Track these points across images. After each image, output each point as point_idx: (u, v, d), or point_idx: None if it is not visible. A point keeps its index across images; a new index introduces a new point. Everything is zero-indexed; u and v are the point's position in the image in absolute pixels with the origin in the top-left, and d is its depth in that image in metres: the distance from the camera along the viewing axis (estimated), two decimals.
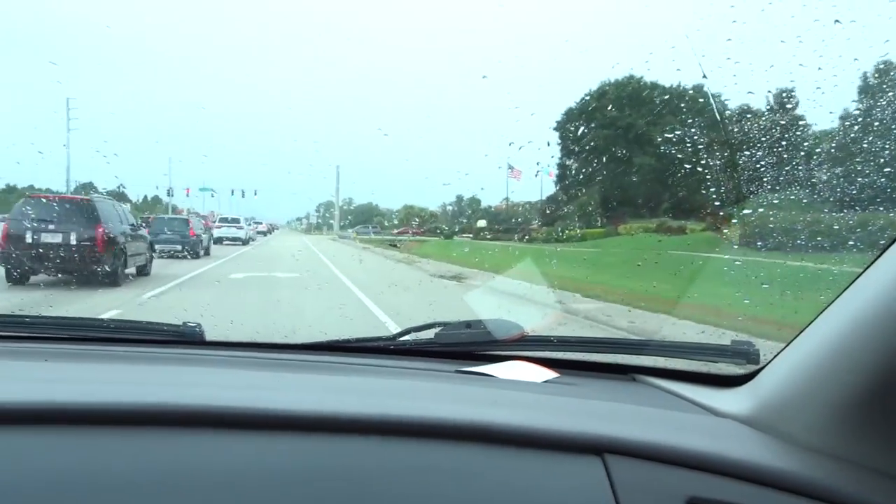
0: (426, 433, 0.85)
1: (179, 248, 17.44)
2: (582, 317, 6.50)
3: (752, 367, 1.18)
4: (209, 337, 1.43)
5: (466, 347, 1.40)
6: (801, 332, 0.98)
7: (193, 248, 17.78)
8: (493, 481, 0.80)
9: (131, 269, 11.18)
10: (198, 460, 0.78)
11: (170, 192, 51.41)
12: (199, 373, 1.17)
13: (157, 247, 16.31)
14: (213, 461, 0.78)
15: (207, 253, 19.88)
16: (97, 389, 0.91)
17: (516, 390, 1.15)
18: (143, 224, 14.77)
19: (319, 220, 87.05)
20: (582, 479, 0.82)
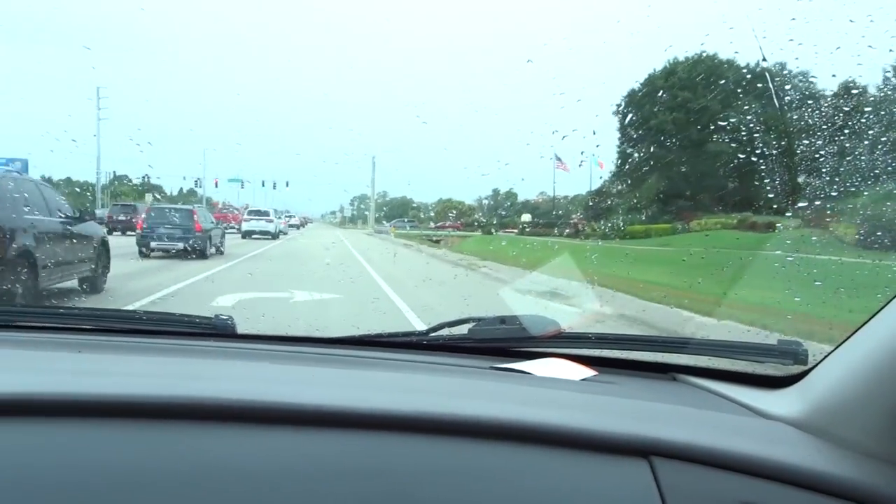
0: (463, 431, 0.88)
1: (181, 245, 15.82)
2: (619, 315, 6.48)
3: (799, 368, 1.22)
4: (241, 330, 1.56)
5: (501, 343, 1.47)
6: (854, 331, 1.01)
7: (199, 247, 16.10)
8: (534, 483, 0.82)
9: (68, 283, 8.28)
10: (228, 455, 0.83)
11: (197, 183, 53.38)
12: (230, 366, 1.27)
13: (153, 244, 15.62)
14: (243, 456, 0.82)
15: (220, 251, 18.38)
16: (129, 382, 0.99)
17: (554, 388, 1.21)
18: (88, 216, 9.32)
19: (354, 213, 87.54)
20: (628, 482, 0.84)
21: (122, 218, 33.29)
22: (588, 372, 1.32)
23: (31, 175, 11.86)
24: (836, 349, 1.05)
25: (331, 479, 0.81)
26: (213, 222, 18.67)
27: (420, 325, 8.32)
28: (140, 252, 15.82)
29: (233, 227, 40.67)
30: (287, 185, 54.76)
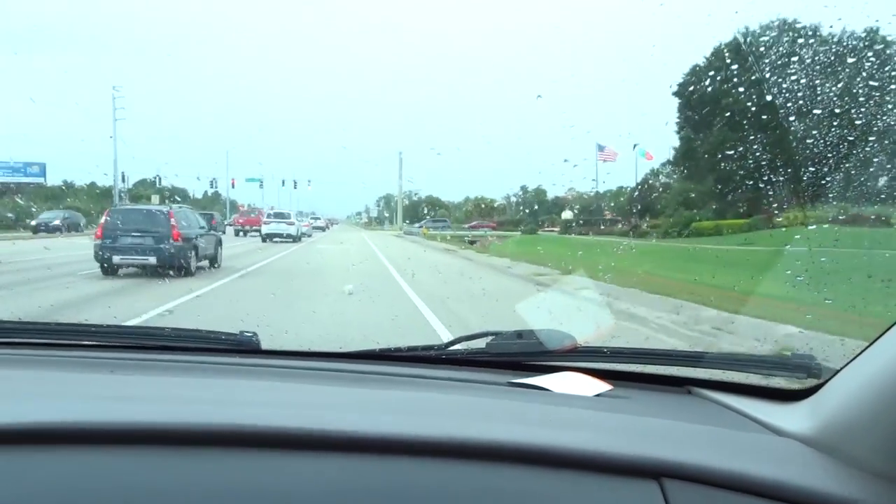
0: (482, 455, 1.00)
1: (153, 260, 13.62)
2: (637, 325, 6.34)
3: (813, 382, 1.36)
4: (265, 346, 1.79)
5: (518, 358, 1.66)
6: (869, 344, 1.12)
7: (177, 261, 13.74)
8: None
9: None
10: (256, 480, 0.95)
11: (213, 184, 54.66)
12: (258, 387, 1.46)
13: (116, 259, 13.41)
14: (270, 481, 0.95)
15: (215, 264, 16.37)
16: (167, 409, 1.14)
17: (569, 406, 1.35)
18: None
19: (381, 213, 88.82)
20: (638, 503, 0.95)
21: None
22: (603, 386, 1.49)
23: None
24: (849, 363, 1.16)
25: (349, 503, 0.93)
26: (202, 227, 15.98)
27: None
28: (102, 268, 13.61)
29: (256, 231, 41.91)
30: (308, 183, 55.79)
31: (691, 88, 26.85)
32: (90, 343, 1.83)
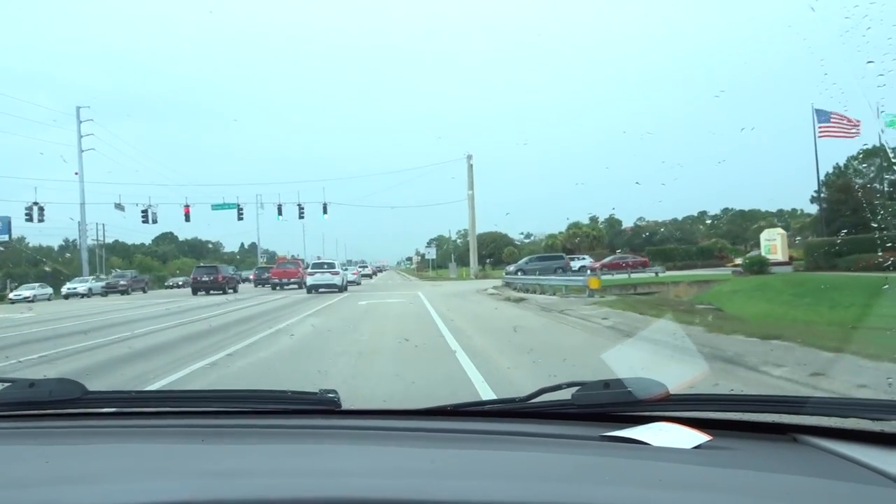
0: None
1: None
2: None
3: None
4: (345, 405, 1.86)
5: (606, 409, 1.66)
6: None
7: None
8: None
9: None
10: None
11: (188, 218, 51.81)
12: (346, 453, 1.51)
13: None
14: None
15: None
16: (262, 483, 1.22)
17: (672, 462, 1.34)
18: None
19: (445, 254, 79.36)
20: None
21: (205, 279, 42.27)
22: (702, 437, 1.47)
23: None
24: None
25: None
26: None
27: None
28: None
29: (294, 283, 42.42)
30: (325, 210, 54.21)
31: None
32: (178, 410, 1.93)
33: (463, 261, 64.66)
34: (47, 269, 55.07)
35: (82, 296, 46.21)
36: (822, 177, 41.51)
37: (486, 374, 7.65)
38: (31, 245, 67.06)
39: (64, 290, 47.52)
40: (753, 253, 36.97)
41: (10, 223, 51.82)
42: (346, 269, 44.83)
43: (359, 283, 47.05)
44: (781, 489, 1.15)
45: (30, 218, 48.11)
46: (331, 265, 39.30)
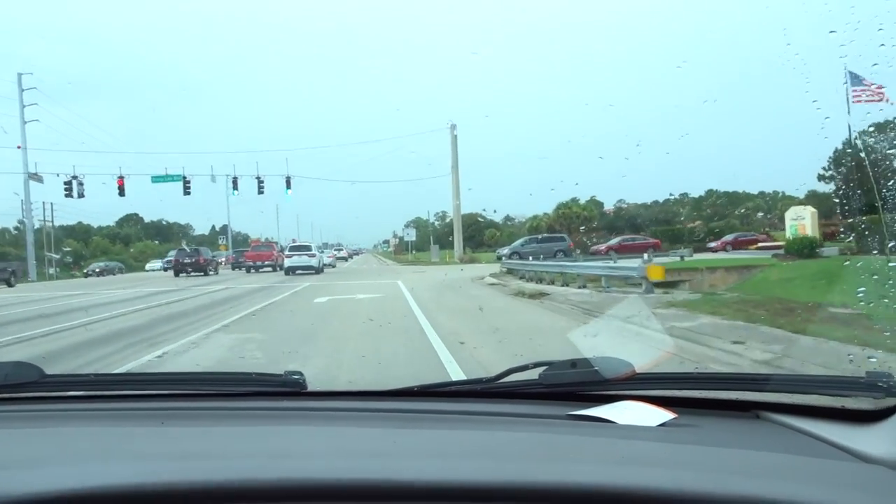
0: (558, 498, 1.02)
1: None
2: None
3: (892, 402, 1.37)
4: (311, 386, 1.84)
5: (573, 388, 1.68)
6: None
7: None
8: None
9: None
10: None
11: (122, 192, 47.78)
12: (310, 434, 1.52)
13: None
14: None
15: None
16: (219, 465, 1.20)
17: (637, 439, 1.37)
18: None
19: (421, 237, 74.11)
20: None
21: (187, 261, 43.04)
22: (667, 415, 1.50)
23: None
24: None
25: None
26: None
27: None
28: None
29: (269, 266, 42.93)
30: (288, 185, 51.12)
31: None
32: (138, 392, 1.91)
33: (442, 243, 61.75)
34: None
35: None
36: (831, 154, 39.45)
37: None
38: None
39: None
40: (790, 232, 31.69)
41: None
42: (322, 252, 45.46)
43: (334, 266, 47.50)
44: (744, 465, 1.17)
45: None
46: (307, 248, 40.27)
